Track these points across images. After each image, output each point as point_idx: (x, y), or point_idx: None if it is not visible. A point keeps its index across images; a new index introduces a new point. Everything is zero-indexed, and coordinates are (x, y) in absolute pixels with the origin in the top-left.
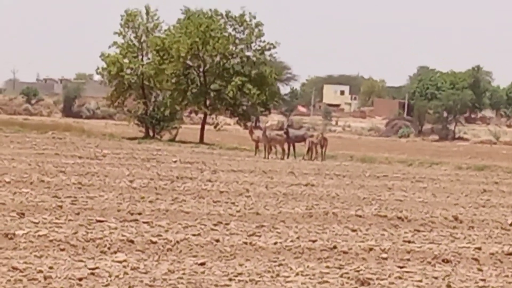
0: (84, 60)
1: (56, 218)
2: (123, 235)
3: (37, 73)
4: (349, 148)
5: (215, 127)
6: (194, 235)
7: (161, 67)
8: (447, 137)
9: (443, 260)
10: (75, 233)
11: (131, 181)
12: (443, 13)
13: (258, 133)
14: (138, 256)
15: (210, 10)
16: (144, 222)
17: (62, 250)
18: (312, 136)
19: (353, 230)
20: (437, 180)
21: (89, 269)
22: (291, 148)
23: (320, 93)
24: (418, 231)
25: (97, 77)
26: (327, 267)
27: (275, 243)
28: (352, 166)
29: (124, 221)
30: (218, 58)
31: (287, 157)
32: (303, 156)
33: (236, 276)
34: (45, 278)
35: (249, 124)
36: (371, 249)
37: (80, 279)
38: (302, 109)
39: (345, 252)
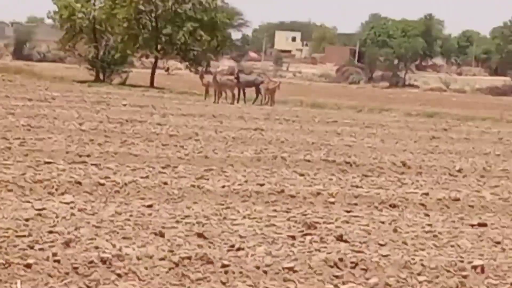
0: (35, 3)
1: (4, 160)
2: (71, 177)
3: None
4: (300, 94)
5: (166, 71)
6: (142, 177)
7: (113, 11)
8: (398, 84)
9: (390, 205)
10: (23, 174)
11: (80, 124)
12: None
13: (208, 77)
14: (85, 198)
15: None
16: (92, 164)
17: (10, 191)
18: (263, 82)
19: (301, 175)
20: (386, 126)
21: (36, 210)
22: (241, 93)
23: (271, 40)
24: (366, 176)
25: (48, 21)
26: (275, 210)
27: (223, 187)
28: (302, 112)
29: (73, 163)
30: (170, 3)
31: (237, 102)
32: (253, 100)
33: (183, 218)
34: None
35: (200, 69)
36: (318, 194)
37: (27, 220)
38: (253, 55)
39: (292, 196)
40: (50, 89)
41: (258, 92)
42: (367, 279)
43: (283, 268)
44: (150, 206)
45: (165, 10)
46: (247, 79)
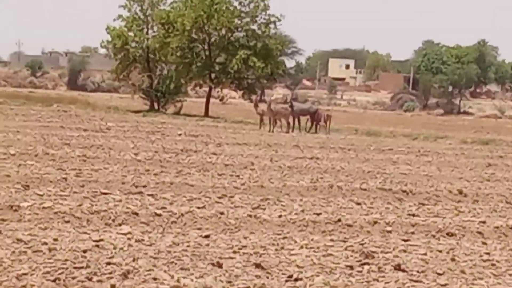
0: (89, 33)
1: (61, 190)
2: (127, 208)
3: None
4: (354, 122)
5: (220, 100)
6: (198, 207)
7: (166, 40)
8: (452, 111)
9: (447, 234)
10: (80, 205)
11: (136, 154)
12: None
13: (262, 106)
14: (142, 229)
15: None
16: (148, 195)
17: (67, 222)
18: (317, 110)
19: (358, 203)
20: (442, 154)
21: (94, 241)
22: (296, 121)
23: (325, 67)
24: (423, 204)
25: (102, 50)
26: (332, 240)
27: (280, 216)
28: (357, 140)
29: (129, 194)
30: (223, 32)
31: (292, 131)
32: (308, 129)
33: (240, 248)
34: (49, 250)
35: (254, 97)
36: (375, 222)
37: (85, 251)
38: (307, 83)
39: (349, 225)
40: (105, 119)
41: (312, 120)
42: None
43: None
44: (207, 236)
45: (218, 39)
46: (301, 107)
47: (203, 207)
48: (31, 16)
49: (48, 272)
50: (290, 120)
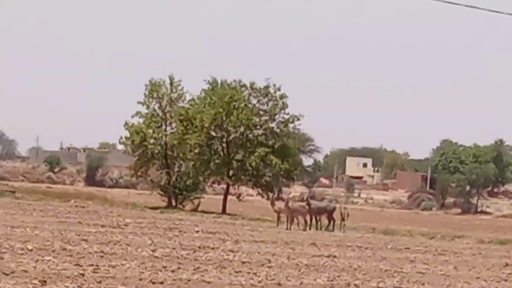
0: (107, 129)
1: (78, 287)
2: None
3: (60, 142)
4: (372, 220)
5: (237, 197)
6: None
7: (185, 137)
8: (470, 210)
9: None
10: None
11: (153, 250)
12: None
13: (279, 204)
14: None
15: (235, 81)
16: None
17: None
18: (335, 208)
19: None
20: (459, 253)
21: None
22: (313, 219)
23: (343, 165)
24: None
25: (120, 146)
26: None
27: None
28: (374, 238)
29: None
30: (241, 129)
31: (309, 229)
32: (325, 227)
33: None
34: None
35: (271, 195)
36: None
37: None
38: (324, 180)
39: None
40: (122, 215)
41: (330, 218)
42: None
43: None
44: None
45: (237, 136)
46: (319, 206)
47: None
48: (50, 111)
49: None
50: (308, 218)
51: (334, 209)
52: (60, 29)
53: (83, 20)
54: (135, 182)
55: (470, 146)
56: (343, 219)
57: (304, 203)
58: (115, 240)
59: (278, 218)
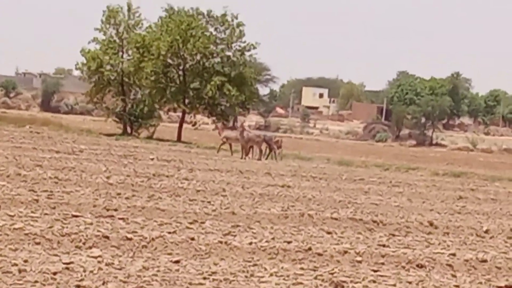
0: (63, 55)
1: (32, 212)
2: (98, 231)
3: (16, 67)
4: (327, 151)
5: (193, 125)
6: (169, 232)
7: (141, 64)
8: (425, 142)
9: (417, 265)
10: (51, 227)
11: (107, 177)
12: (424, 18)
13: (228, 132)
14: (113, 252)
15: (192, 8)
16: (119, 219)
17: (37, 244)
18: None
19: (328, 233)
20: (413, 185)
21: (64, 263)
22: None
23: (299, 95)
24: (393, 235)
25: (76, 73)
26: (302, 268)
27: (250, 243)
28: (329, 169)
29: (100, 217)
30: (198, 57)
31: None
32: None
33: (210, 275)
34: (19, 271)
35: (219, 124)
36: (345, 252)
37: (55, 273)
38: (280, 110)
39: (320, 254)
40: (77, 141)
41: (270, 148)
42: None
43: None
44: (177, 261)
45: (193, 64)
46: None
47: (174, 232)
48: (5, 36)
49: None
50: (263, 147)
51: (271, 138)
52: None
53: None
54: (91, 109)
55: (426, 79)
56: (279, 147)
57: (260, 133)
58: (70, 167)
59: (225, 146)
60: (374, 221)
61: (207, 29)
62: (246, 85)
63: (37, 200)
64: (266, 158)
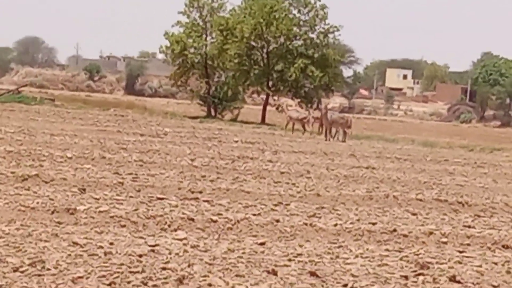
0: (147, 38)
1: (117, 195)
2: (183, 213)
3: (100, 50)
4: (411, 132)
5: (276, 108)
6: (254, 214)
7: (225, 47)
8: (509, 123)
9: (503, 246)
10: (136, 210)
11: (192, 160)
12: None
13: (290, 113)
14: (198, 235)
15: None
16: (204, 201)
17: (123, 226)
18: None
19: (413, 214)
20: (498, 166)
21: (149, 246)
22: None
23: (382, 77)
24: (479, 216)
25: (160, 56)
26: (387, 250)
27: (335, 225)
28: (413, 150)
29: (185, 199)
30: (282, 40)
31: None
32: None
33: (295, 256)
34: (105, 253)
35: (283, 102)
36: (431, 233)
37: (140, 256)
38: (364, 92)
39: (405, 236)
40: (161, 124)
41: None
42: None
43: None
44: (262, 243)
45: (277, 47)
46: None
47: (259, 214)
48: (90, 20)
49: (103, 276)
50: (347, 129)
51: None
52: None
53: None
54: (175, 92)
55: (511, 59)
56: (348, 127)
57: (343, 114)
58: (154, 149)
59: (286, 125)
60: (459, 202)
61: (290, 11)
62: (329, 67)
63: (122, 183)
64: (333, 137)
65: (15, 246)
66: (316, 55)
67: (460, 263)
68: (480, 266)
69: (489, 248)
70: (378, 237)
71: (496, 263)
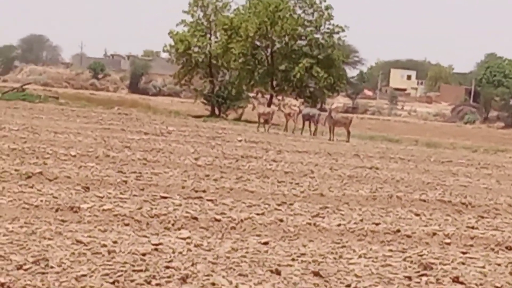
0: (151, 37)
1: (121, 193)
2: (187, 212)
3: (104, 49)
4: (415, 133)
5: (279, 109)
6: (258, 214)
7: (229, 46)
8: None
9: (506, 247)
10: (140, 208)
11: (196, 159)
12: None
13: (262, 108)
14: (201, 234)
15: None
16: (208, 200)
17: (126, 225)
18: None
19: (417, 214)
20: (501, 167)
21: (153, 244)
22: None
23: (387, 77)
24: (482, 217)
25: (164, 55)
26: (390, 250)
27: (339, 225)
28: (417, 151)
29: (188, 198)
30: (286, 39)
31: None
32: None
33: (299, 256)
34: (109, 252)
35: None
36: (434, 234)
37: (144, 254)
38: (368, 92)
39: (408, 236)
40: (165, 123)
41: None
42: None
43: None
44: (266, 243)
45: (281, 46)
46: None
47: (262, 213)
48: (94, 18)
49: (107, 274)
50: (350, 129)
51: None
52: None
53: None
54: (179, 91)
55: None
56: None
57: (347, 115)
58: (158, 148)
59: (259, 121)
60: (463, 203)
61: (295, 11)
62: (334, 67)
63: (125, 182)
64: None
65: (19, 244)
66: (321, 56)
67: (463, 264)
68: (484, 267)
69: (493, 249)
70: (382, 238)
71: (499, 264)
